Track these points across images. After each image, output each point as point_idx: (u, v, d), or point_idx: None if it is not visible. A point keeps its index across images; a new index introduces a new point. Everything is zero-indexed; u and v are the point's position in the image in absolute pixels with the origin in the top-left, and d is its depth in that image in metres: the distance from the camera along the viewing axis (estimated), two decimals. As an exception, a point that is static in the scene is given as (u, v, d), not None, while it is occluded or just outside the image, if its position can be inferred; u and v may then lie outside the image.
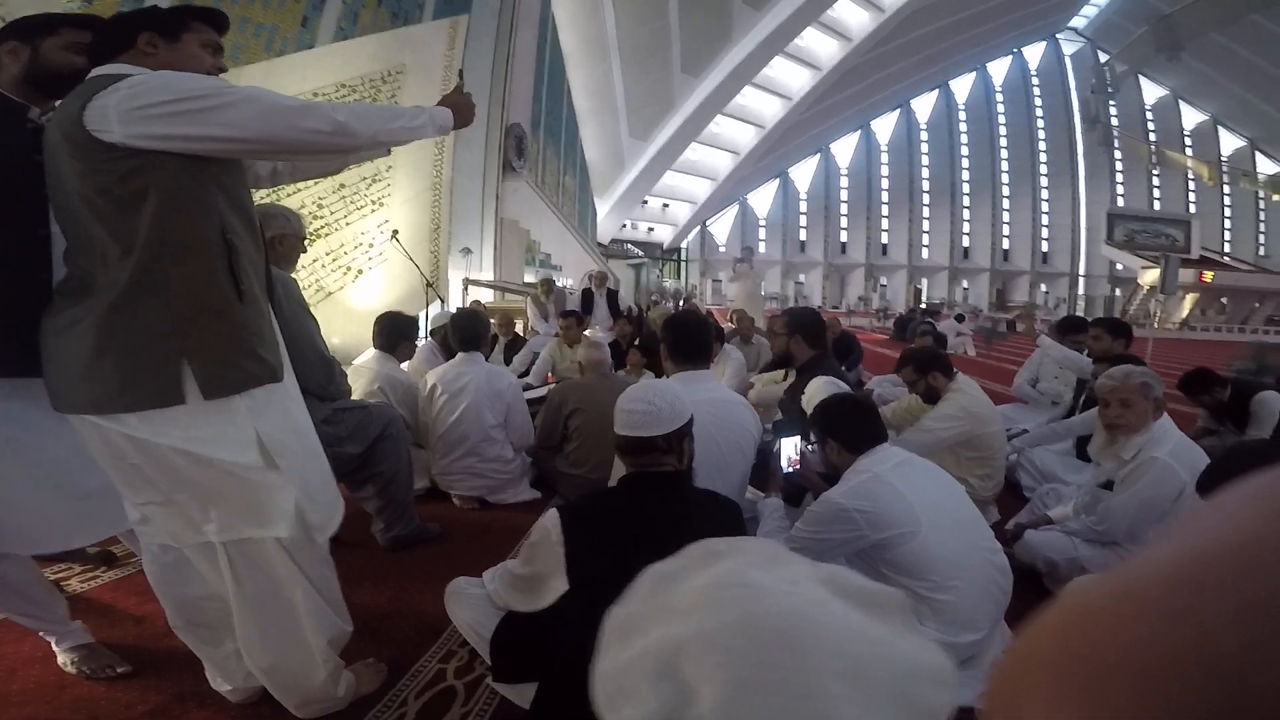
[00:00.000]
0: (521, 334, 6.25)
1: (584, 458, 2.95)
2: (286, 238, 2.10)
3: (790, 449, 2.15)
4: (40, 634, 1.64)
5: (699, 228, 38.23)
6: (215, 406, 1.23)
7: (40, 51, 1.42)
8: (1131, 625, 0.18)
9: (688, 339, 2.08)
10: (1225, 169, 34.72)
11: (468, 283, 8.28)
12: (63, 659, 1.63)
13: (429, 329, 4.30)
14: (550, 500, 3.00)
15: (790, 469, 2.14)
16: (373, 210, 4.59)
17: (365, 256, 4.60)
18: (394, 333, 3.02)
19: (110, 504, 1.45)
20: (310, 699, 1.45)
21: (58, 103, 1.46)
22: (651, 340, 5.40)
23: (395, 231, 4.66)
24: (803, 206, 40.91)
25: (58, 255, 1.36)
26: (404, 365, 3.15)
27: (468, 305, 7.08)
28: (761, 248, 37.79)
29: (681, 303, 15.63)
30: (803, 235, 40.60)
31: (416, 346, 3.39)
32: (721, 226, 40.54)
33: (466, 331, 3.01)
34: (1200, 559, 0.19)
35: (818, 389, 2.49)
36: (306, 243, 2.45)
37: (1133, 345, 3.72)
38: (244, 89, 1.22)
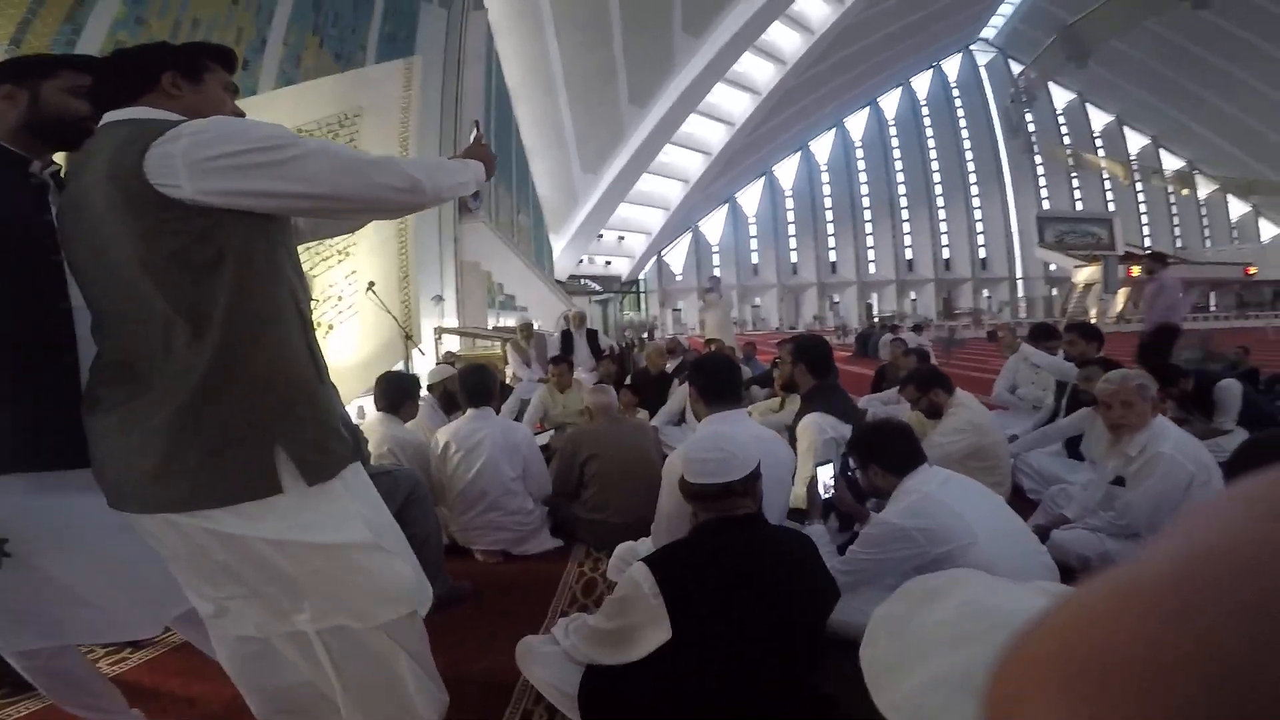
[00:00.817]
0: (505, 381, 6.16)
1: (603, 503, 2.95)
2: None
3: (826, 476, 2.20)
4: None
5: (655, 258, 38.74)
6: (316, 491, 1.13)
7: (39, 96, 1.26)
8: (1132, 625, 0.18)
9: (719, 380, 2.12)
10: (1136, 167, 37.16)
11: (439, 331, 8.17)
12: None
13: (426, 385, 4.22)
14: (573, 547, 2.97)
15: (827, 495, 2.19)
16: (339, 260, 4.40)
17: (335, 310, 4.42)
18: (397, 393, 2.97)
19: (165, 591, 1.32)
20: None
21: (55, 155, 1.34)
22: (642, 378, 5.45)
23: (371, 283, 4.53)
24: (752, 230, 41.97)
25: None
26: (407, 424, 3.10)
27: (441, 355, 6.97)
28: (717, 275, 38.64)
29: (646, 335, 15.73)
30: (754, 259, 41.61)
31: (419, 405, 3.34)
32: (676, 255, 41.21)
33: (476, 386, 2.98)
34: (1200, 558, 0.19)
35: (809, 435, 2.55)
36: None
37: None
38: (311, 140, 1.11)
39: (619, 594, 1.40)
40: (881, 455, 1.87)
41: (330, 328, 4.44)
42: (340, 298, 4.45)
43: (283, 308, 1.12)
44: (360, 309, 4.52)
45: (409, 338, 4.85)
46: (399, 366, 4.43)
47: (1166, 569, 0.19)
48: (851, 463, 2.03)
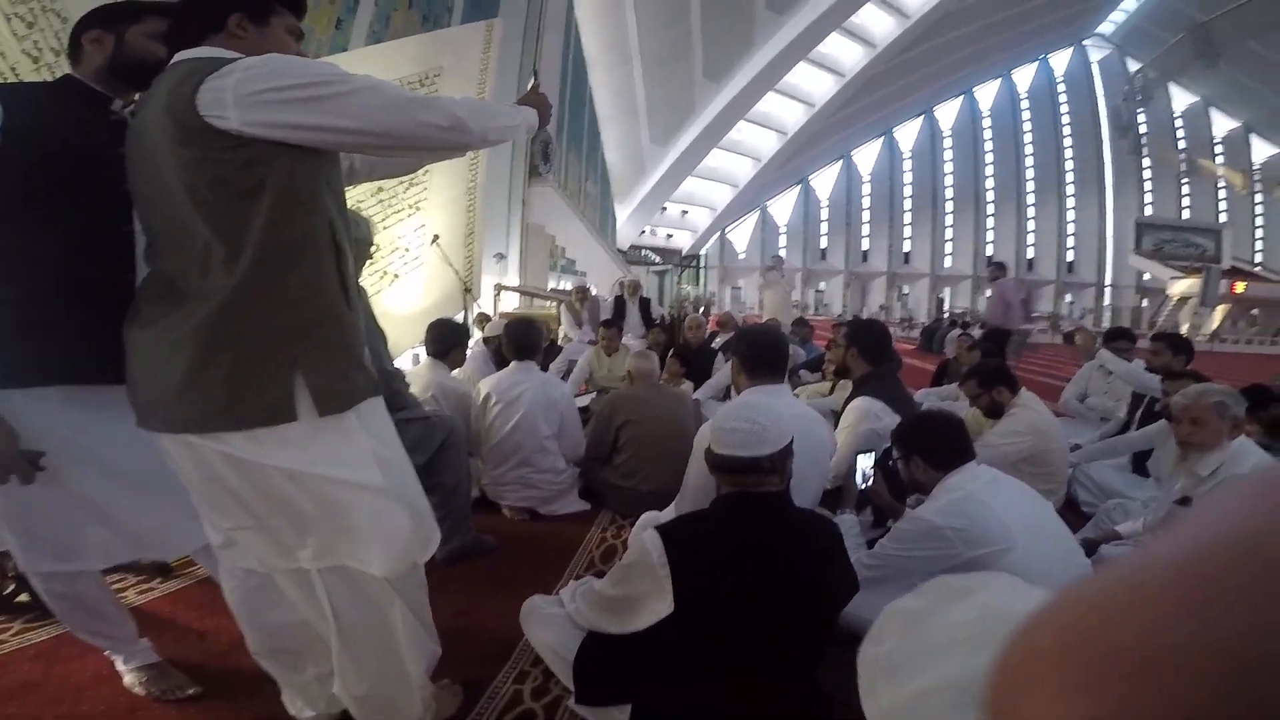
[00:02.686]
0: (556, 341, 6.25)
1: (634, 469, 2.93)
2: (358, 243, 2.08)
3: (865, 465, 2.10)
4: (105, 653, 1.57)
5: (718, 234, 38.16)
6: (329, 423, 1.14)
7: (125, 40, 1.35)
8: (1138, 617, 0.18)
9: (765, 353, 2.04)
10: (1258, 177, 34.02)
11: (499, 288, 8.30)
12: (129, 679, 1.55)
13: (483, 337, 4.29)
14: (599, 511, 2.97)
15: (864, 485, 2.09)
16: (409, 214, 4.55)
17: (401, 261, 4.57)
18: (447, 339, 3.02)
19: (184, 520, 1.39)
20: None
21: (138, 95, 1.41)
22: (684, 350, 5.39)
23: (436, 236, 4.65)
24: (824, 214, 40.68)
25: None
26: (455, 372, 3.15)
27: (497, 312, 7.09)
28: (781, 255, 37.79)
29: (701, 310, 15.57)
30: (823, 243, 40.38)
31: (468, 354, 3.39)
32: (741, 234, 40.43)
33: (521, 340, 3.00)
34: (1206, 551, 0.19)
35: (854, 416, 2.44)
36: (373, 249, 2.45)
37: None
38: (361, 77, 1.12)
39: (627, 560, 1.37)
40: (927, 447, 1.76)
41: (395, 277, 4.60)
42: (408, 249, 4.60)
43: (318, 238, 1.15)
44: (425, 261, 4.65)
45: (468, 291, 4.95)
46: (458, 318, 4.53)
47: (1174, 561, 0.19)
48: (894, 454, 1.93)
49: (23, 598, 1.85)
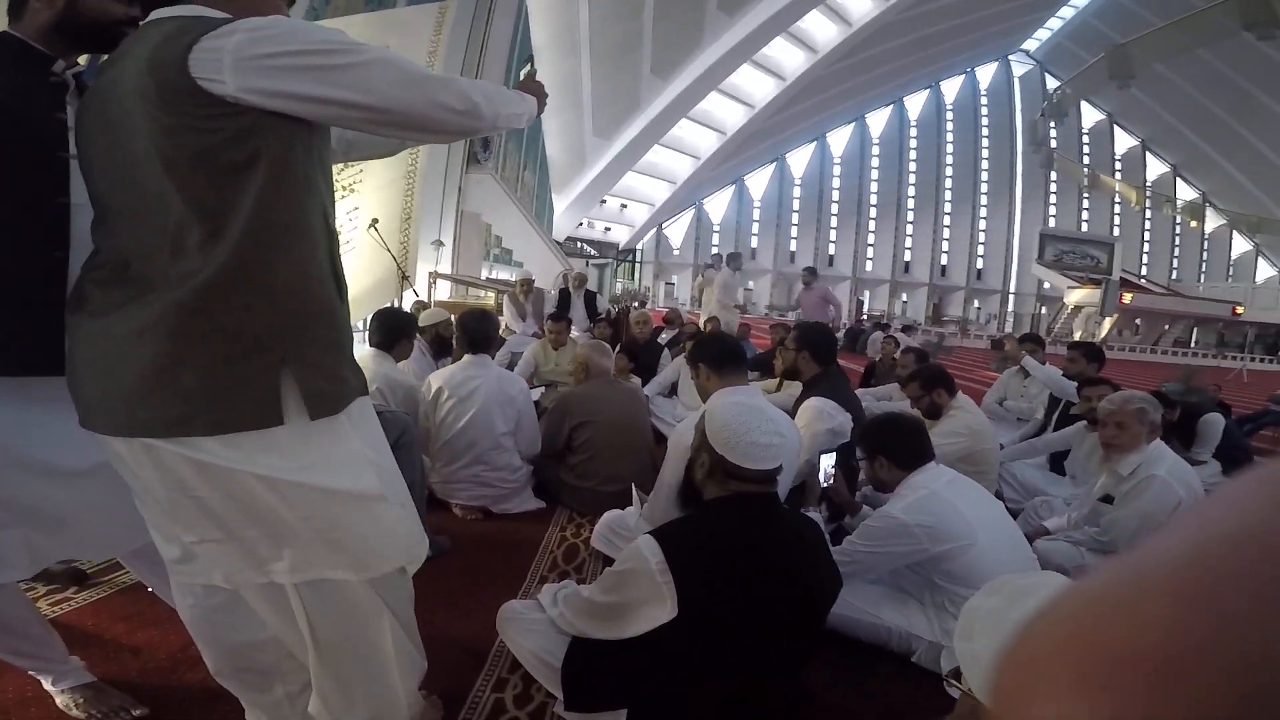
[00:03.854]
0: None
1: (592, 470, 2.90)
2: None
3: (827, 465, 2.16)
4: (31, 673, 1.42)
5: (655, 230, 38.40)
6: (320, 426, 1.03)
7: None
8: (1146, 614, 0.18)
9: (729, 354, 2.07)
10: (1149, 193, 37.27)
11: (434, 276, 8.04)
12: (63, 701, 1.41)
13: (418, 327, 4.13)
14: (555, 509, 2.93)
15: (826, 483, 2.16)
16: (343, 196, 4.34)
17: (333, 245, 4.40)
18: (394, 330, 2.87)
19: (126, 515, 1.23)
20: None
21: (83, 57, 1.28)
22: (631, 346, 5.40)
23: (375, 220, 4.46)
24: (756, 214, 41.65)
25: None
26: (399, 365, 3.01)
27: (432, 301, 6.86)
28: (715, 250, 38.47)
29: (639, 305, 15.65)
30: (754, 242, 41.33)
31: (414, 345, 3.25)
32: (677, 230, 40.85)
33: (476, 333, 2.89)
34: (1217, 544, 0.18)
35: (809, 416, 2.51)
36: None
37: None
38: (375, 48, 1.01)
39: (621, 567, 1.34)
40: (892, 448, 1.84)
41: (327, 262, 4.39)
42: (339, 232, 4.40)
43: (311, 220, 1.04)
44: (359, 246, 4.44)
45: (405, 278, 4.77)
46: (390, 306, 4.35)
47: (1182, 555, 0.19)
48: (859, 453, 1.99)
49: None
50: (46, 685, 1.42)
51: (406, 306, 5.39)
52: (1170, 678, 0.17)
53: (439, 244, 8.92)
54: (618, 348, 5.40)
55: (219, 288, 0.96)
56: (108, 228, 1.03)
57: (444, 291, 8.66)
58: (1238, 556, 0.18)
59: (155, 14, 1.02)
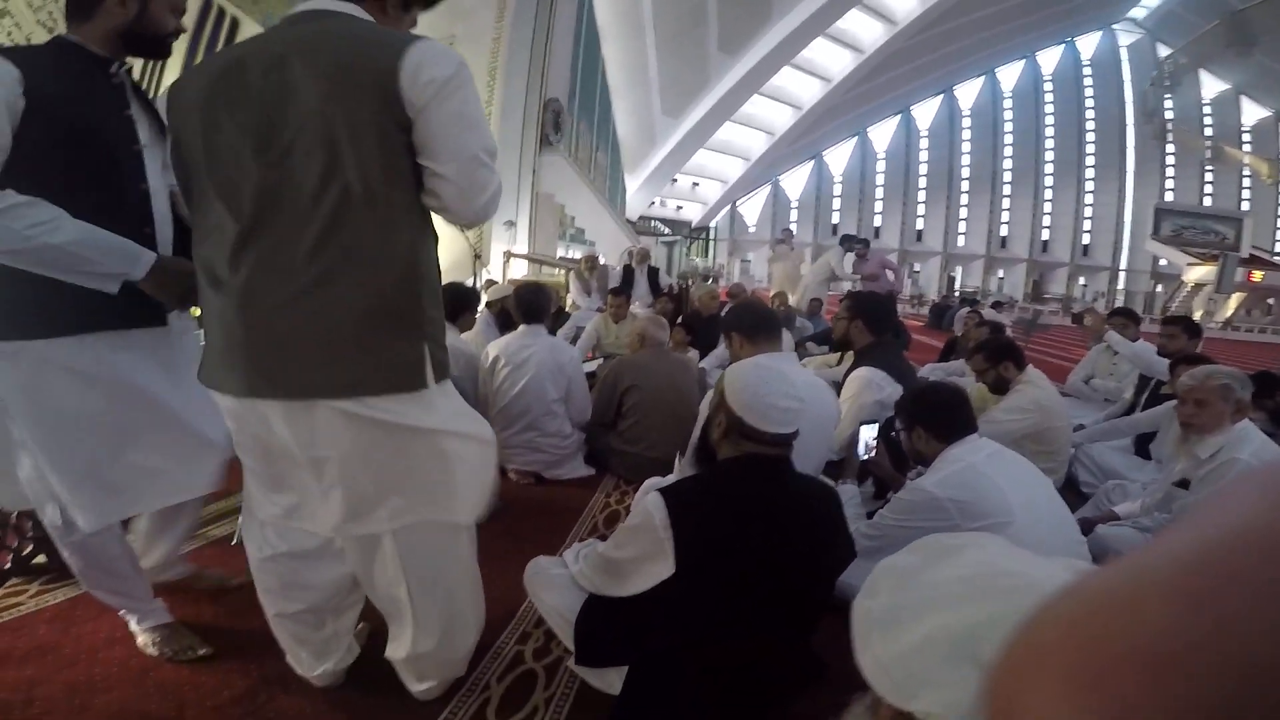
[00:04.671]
0: (564, 308, 6.27)
1: (639, 435, 2.96)
2: None
3: (868, 436, 2.12)
4: (120, 613, 1.57)
5: (729, 207, 37.77)
6: (444, 388, 1.23)
7: (150, 8, 1.34)
8: (1146, 613, 0.18)
9: (759, 319, 2.06)
10: (1284, 167, 33.25)
11: (508, 255, 8.28)
12: (143, 640, 1.55)
13: (486, 301, 4.32)
14: (604, 477, 3.01)
15: (867, 456, 2.11)
16: None
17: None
18: (456, 302, 3.02)
19: (202, 456, 1.46)
20: (446, 679, 1.46)
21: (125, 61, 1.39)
22: (694, 319, 5.40)
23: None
24: (836, 190, 40.17)
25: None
26: (463, 335, 3.17)
27: (506, 279, 7.08)
28: (792, 228, 37.57)
29: (710, 281, 15.53)
30: (835, 219, 39.91)
31: (476, 318, 3.40)
32: (752, 207, 40.01)
33: (530, 304, 3.00)
34: (1217, 546, 0.18)
35: (857, 386, 2.44)
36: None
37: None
38: (494, 174, 1.17)
39: (631, 523, 1.37)
40: (930, 418, 1.77)
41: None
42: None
43: (430, 215, 1.20)
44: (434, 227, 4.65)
45: (478, 257, 4.96)
46: (468, 283, 4.55)
47: (1183, 555, 0.19)
48: (896, 425, 1.94)
49: (40, 559, 1.85)
50: (132, 625, 1.58)
51: (480, 284, 5.58)
52: (1169, 676, 0.17)
53: (510, 224, 9.16)
54: (679, 319, 5.44)
55: (402, 273, 1.13)
56: (263, 217, 1.10)
57: (520, 270, 8.91)
58: (1238, 557, 0.18)
59: (309, 5, 1.15)
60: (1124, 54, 39.14)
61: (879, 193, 40.24)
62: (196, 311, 1.31)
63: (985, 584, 0.61)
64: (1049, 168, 39.80)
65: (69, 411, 1.32)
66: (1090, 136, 39.66)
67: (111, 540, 1.50)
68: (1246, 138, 37.21)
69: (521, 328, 3.00)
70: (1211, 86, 37.67)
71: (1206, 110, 38.24)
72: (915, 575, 0.64)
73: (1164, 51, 34.27)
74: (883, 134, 40.25)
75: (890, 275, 7.47)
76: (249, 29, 8.04)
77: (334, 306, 1.09)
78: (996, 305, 13.74)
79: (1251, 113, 37.75)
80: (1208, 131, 36.92)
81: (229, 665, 1.53)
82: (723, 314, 5.80)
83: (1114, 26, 38.87)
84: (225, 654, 1.56)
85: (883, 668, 0.60)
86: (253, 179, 1.08)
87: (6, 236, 1.13)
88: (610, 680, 1.42)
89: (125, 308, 1.31)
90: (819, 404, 1.95)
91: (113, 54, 1.35)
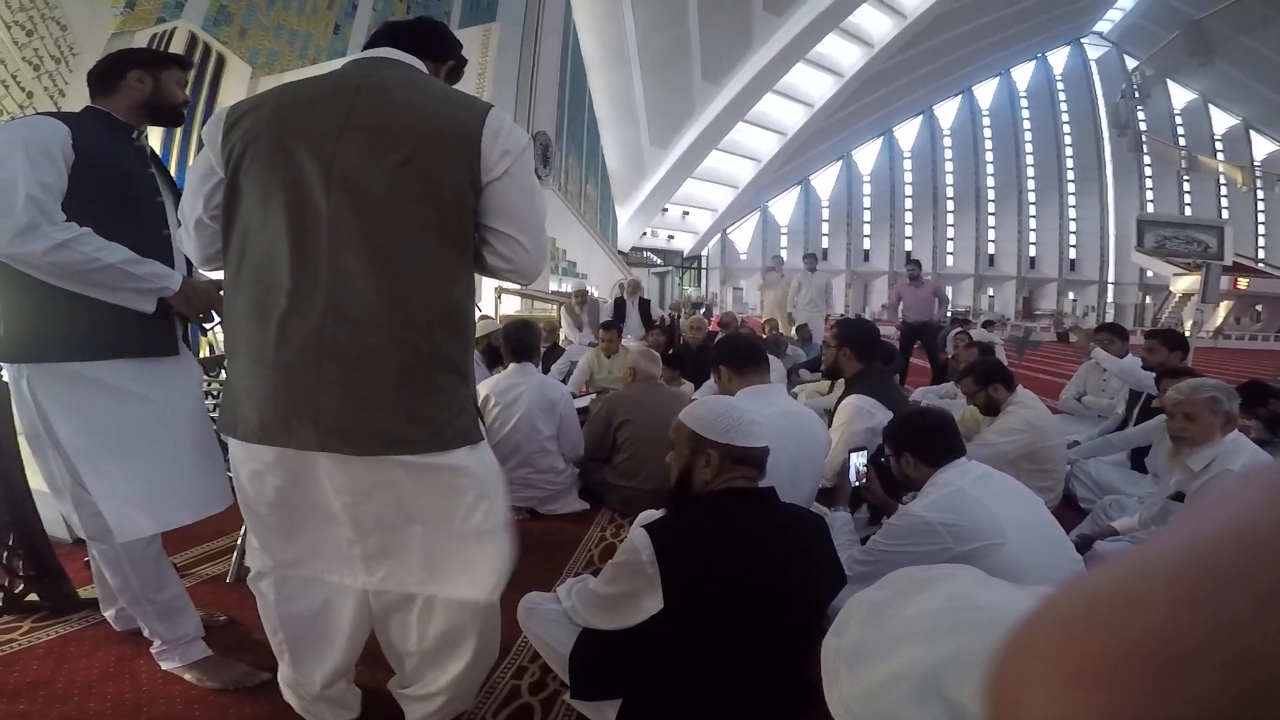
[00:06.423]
0: (558, 343, 6.27)
1: (634, 469, 2.94)
2: None
3: (859, 463, 2.12)
4: (151, 642, 1.61)
5: (719, 235, 38.22)
6: (483, 446, 1.21)
7: (160, 82, 1.57)
8: (1140, 611, 0.18)
9: (750, 354, 2.07)
10: (1259, 173, 33.93)
11: (500, 290, 8.31)
12: (193, 676, 1.58)
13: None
14: (599, 510, 2.99)
15: (858, 483, 2.11)
16: None
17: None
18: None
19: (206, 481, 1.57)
20: (449, 713, 1.41)
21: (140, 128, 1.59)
22: (684, 351, 5.42)
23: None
24: (824, 214, 40.75)
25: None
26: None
27: (498, 314, 7.11)
28: (783, 255, 37.90)
29: (702, 311, 15.61)
30: (825, 242, 40.40)
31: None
32: (742, 234, 40.52)
33: (519, 341, 3.01)
34: (1215, 545, 0.18)
35: (848, 414, 2.45)
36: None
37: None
38: (544, 250, 1.22)
39: (618, 559, 1.37)
40: (917, 443, 1.78)
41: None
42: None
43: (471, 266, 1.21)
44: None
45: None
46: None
47: (1180, 556, 0.19)
48: (886, 451, 1.94)
49: (31, 597, 1.88)
50: (170, 666, 1.59)
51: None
52: (1168, 676, 0.17)
53: (500, 260, 9.23)
54: (669, 353, 5.44)
55: (463, 330, 1.15)
56: (340, 265, 1.06)
57: (513, 305, 8.95)
58: (1237, 557, 0.18)
59: (383, 51, 1.20)
60: (1094, 67, 40.23)
61: (866, 215, 40.82)
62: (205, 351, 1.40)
63: (953, 620, 0.60)
64: (1031, 183, 40.57)
65: (107, 425, 1.46)
66: (1069, 150, 40.50)
67: (158, 546, 1.59)
68: (1219, 146, 38.05)
69: (511, 366, 3.00)
70: (1180, 96, 38.68)
71: (1178, 120, 39.18)
72: (883, 611, 0.64)
73: (1132, 64, 35.21)
74: (867, 156, 41.04)
75: (937, 306, 7.22)
76: (235, 66, 8.23)
77: (410, 359, 1.07)
78: (988, 324, 13.79)
79: (1221, 121, 38.67)
80: (1181, 141, 37.75)
81: (225, 699, 1.54)
82: (713, 346, 5.85)
83: (1082, 40, 40.01)
84: (217, 691, 1.56)
85: (849, 707, 0.60)
86: (324, 218, 1.05)
87: (78, 258, 1.33)
88: (607, 713, 1.41)
89: (145, 339, 1.49)
90: (804, 433, 1.96)
91: (135, 123, 1.58)
